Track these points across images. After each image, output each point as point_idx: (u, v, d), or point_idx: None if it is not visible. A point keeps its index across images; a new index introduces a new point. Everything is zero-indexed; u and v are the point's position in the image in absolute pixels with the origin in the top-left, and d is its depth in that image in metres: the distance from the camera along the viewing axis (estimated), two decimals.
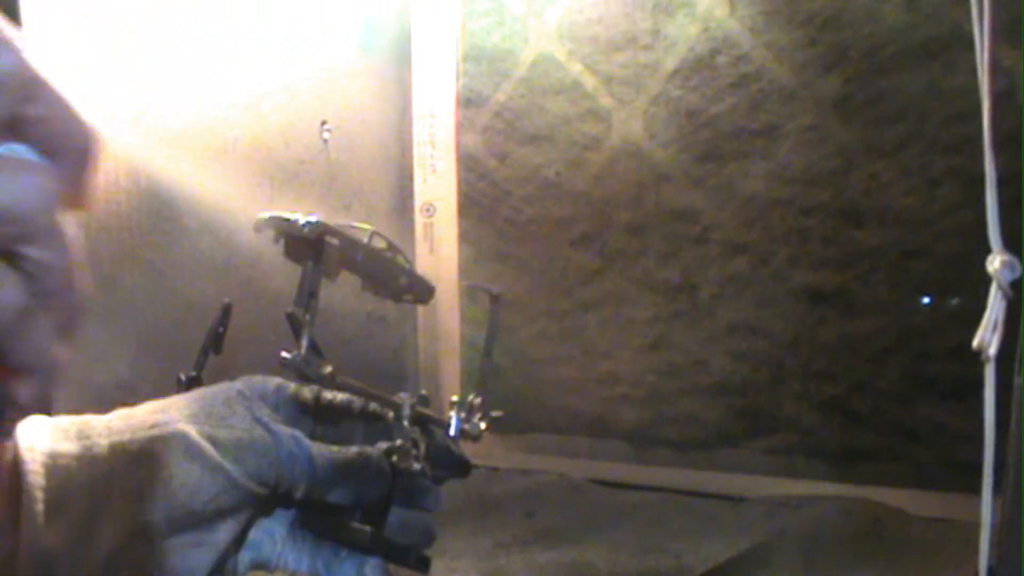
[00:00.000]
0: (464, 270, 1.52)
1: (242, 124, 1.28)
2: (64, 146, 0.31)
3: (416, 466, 0.50)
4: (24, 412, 0.33)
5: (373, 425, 0.53)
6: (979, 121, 0.60)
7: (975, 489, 0.59)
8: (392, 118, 1.52)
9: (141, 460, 0.42)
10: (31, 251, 0.30)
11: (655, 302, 1.38)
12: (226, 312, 0.74)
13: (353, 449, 0.49)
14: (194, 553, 0.42)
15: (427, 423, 0.57)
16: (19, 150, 0.30)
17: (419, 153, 1.54)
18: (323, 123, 1.40)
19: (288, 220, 0.67)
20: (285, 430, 0.46)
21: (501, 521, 1.19)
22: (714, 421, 1.36)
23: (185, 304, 1.16)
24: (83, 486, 0.42)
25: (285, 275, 1.36)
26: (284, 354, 0.60)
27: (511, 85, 1.45)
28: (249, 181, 1.31)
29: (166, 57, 1.17)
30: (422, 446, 0.53)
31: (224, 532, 0.43)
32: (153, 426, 0.44)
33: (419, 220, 1.55)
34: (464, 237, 1.52)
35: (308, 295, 0.65)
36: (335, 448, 0.48)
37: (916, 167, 1.20)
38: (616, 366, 1.42)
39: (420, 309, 1.55)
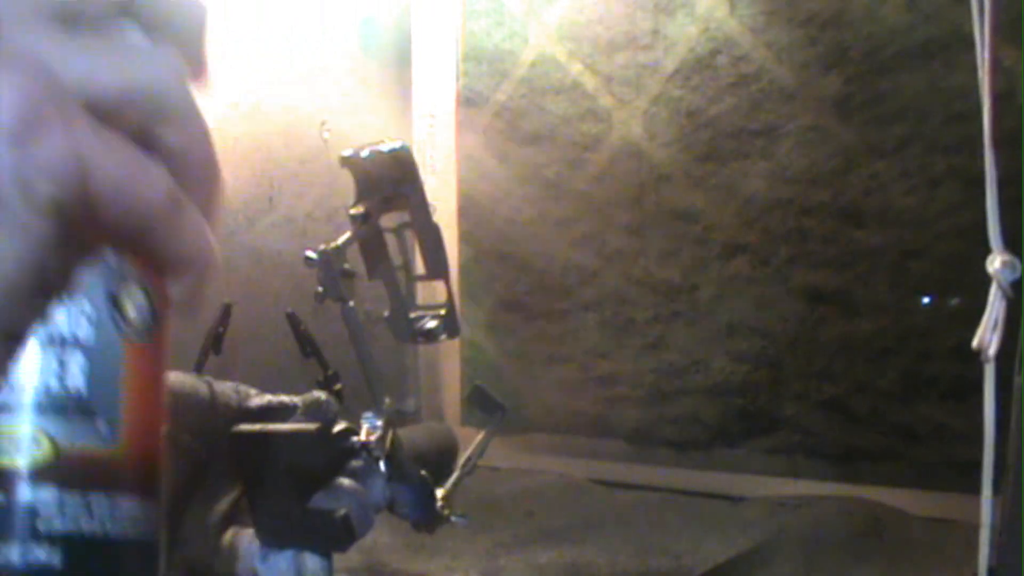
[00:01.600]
0: (464, 270, 1.52)
1: (243, 124, 1.28)
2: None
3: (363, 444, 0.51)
4: (178, 313, 0.29)
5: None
6: (979, 121, 0.60)
7: (975, 489, 0.59)
8: (392, 118, 1.51)
9: None
10: (168, 133, 0.27)
11: (655, 302, 1.38)
12: (226, 312, 0.74)
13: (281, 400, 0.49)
14: None
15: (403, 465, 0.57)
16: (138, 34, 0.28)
17: (419, 153, 1.54)
18: (323, 123, 1.40)
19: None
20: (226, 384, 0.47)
21: (501, 521, 1.19)
22: (714, 421, 1.36)
23: None
24: None
25: (285, 275, 1.36)
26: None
27: (511, 85, 1.45)
28: (249, 181, 1.31)
29: None
30: (386, 445, 0.54)
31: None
32: None
33: None
34: (464, 237, 1.52)
35: (371, 212, 0.62)
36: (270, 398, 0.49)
37: (916, 167, 1.20)
38: (616, 366, 1.42)
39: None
